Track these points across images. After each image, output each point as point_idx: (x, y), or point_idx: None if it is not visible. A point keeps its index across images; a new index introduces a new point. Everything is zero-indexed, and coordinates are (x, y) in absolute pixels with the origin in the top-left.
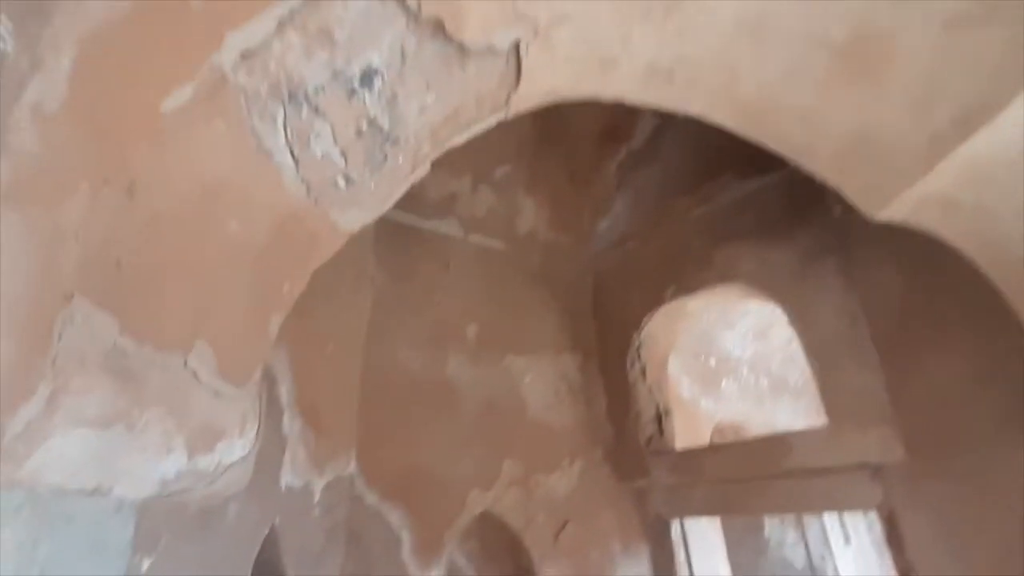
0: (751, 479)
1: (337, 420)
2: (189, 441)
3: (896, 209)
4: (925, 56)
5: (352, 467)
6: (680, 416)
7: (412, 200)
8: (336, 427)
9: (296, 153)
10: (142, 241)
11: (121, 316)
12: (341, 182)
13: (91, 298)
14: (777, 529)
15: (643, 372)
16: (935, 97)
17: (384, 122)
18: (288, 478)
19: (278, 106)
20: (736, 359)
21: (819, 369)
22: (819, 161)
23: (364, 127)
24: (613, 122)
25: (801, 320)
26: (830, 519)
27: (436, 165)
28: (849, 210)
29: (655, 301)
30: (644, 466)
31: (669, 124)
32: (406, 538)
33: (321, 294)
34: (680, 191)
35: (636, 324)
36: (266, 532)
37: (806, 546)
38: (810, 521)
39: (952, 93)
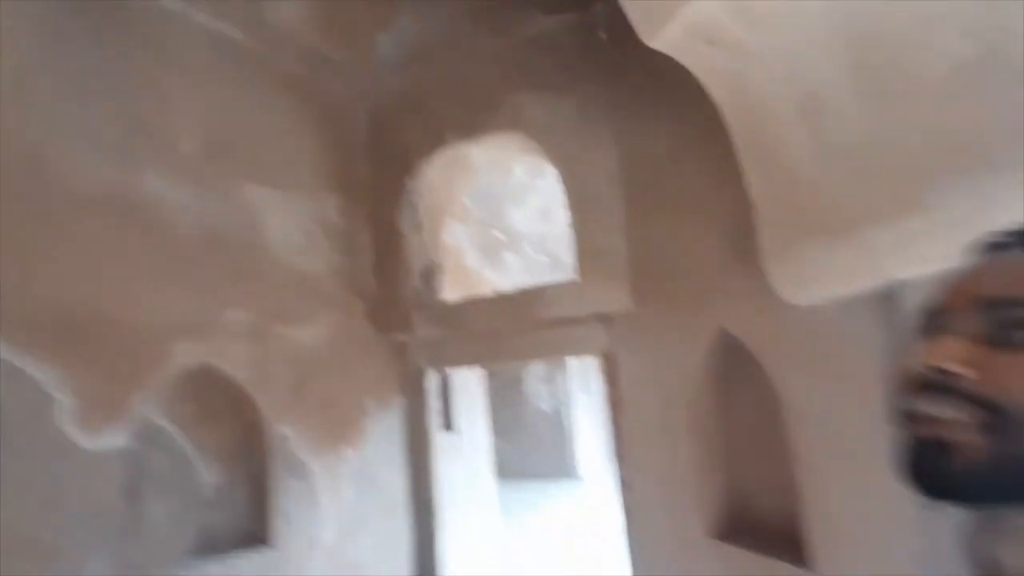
0: (508, 330)
1: None
2: None
3: (668, 35)
4: None
5: None
6: (458, 281)
7: None
8: None
9: None
10: None
11: None
12: None
13: None
14: (532, 384)
15: (417, 224)
16: None
17: None
18: None
19: None
20: (521, 235)
21: (576, 226)
22: None
23: None
24: None
25: (570, 177)
26: (574, 375)
27: None
28: (619, 41)
29: (435, 142)
30: (408, 320)
31: None
32: (66, 402)
33: None
34: (478, 14)
35: (412, 168)
36: None
37: (554, 398)
38: (557, 376)
39: None
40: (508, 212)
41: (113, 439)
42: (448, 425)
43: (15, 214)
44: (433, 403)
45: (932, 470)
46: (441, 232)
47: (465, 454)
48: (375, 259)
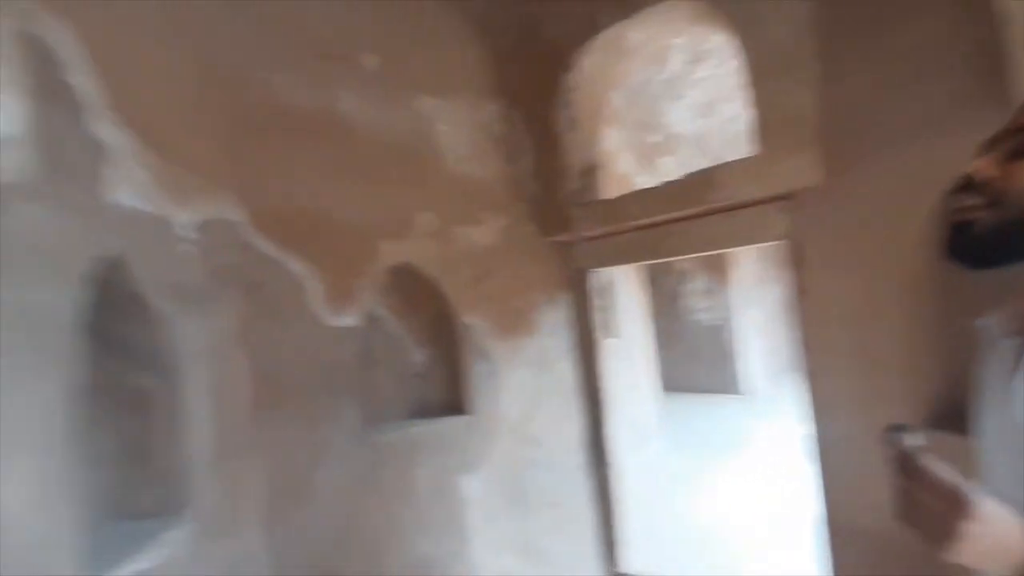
0: (674, 222)
1: (197, 153)
2: None
3: None
4: None
5: (236, 213)
6: (613, 183)
7: None
8: (198, 160)
9: None
10: None
11: None
12: None
13: None
14: (692, 298)
15: (573, 122)
16: None
17: None
18: (126, 199)
19: None
20: (678, 136)
21: (756, 94)
22: None
23: None
24: None
25: (749, 38)
26: (735, 288)
27: None
28: None
29: (588, 30)
30: (568, 220)
31: None
32: (312, 287)
33: None
34: None
35: (565, 65)
36: (101, 254)
37: (714, 311)
38: (717, 290)
39: None
40: (664, 111)
41: (348, 319)
42: (610, 328)
43: (249, 135)
44: (596, 302)
45: (958, 242)
46: (597, 130)
47: (627, 355)
48: (535, 163)
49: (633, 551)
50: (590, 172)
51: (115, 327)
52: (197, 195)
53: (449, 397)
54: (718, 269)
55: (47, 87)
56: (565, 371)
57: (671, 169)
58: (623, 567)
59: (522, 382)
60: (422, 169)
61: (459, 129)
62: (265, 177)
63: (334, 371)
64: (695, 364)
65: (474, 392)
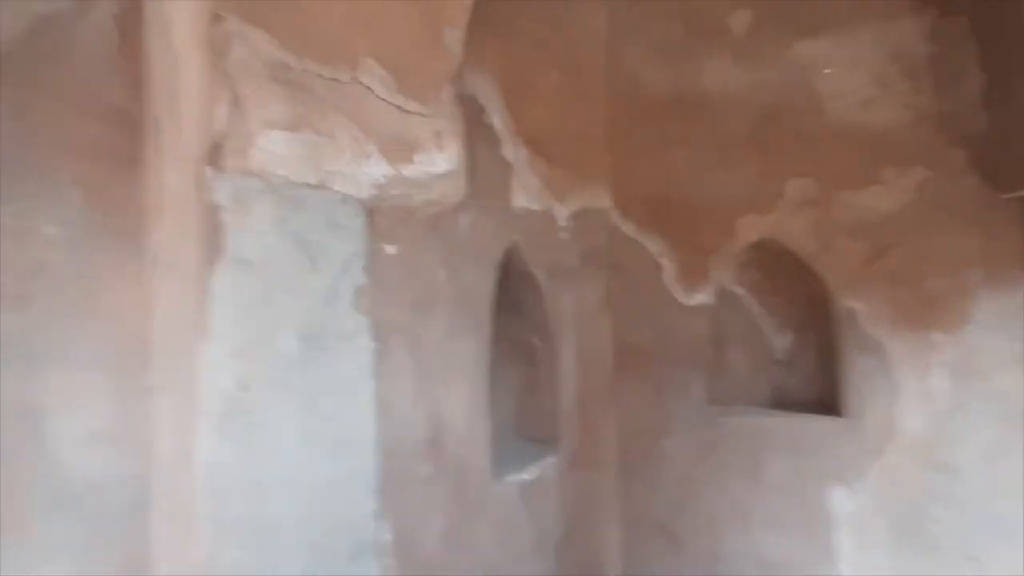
0: None
1: (576, 152)
2: (383, 150)
3: None
4: None
5: (606, 200)
6: None
7: None
8: (576, 159)
9: None
10: None
11: (273, 32)
12: None
13: (240, 16)
14: None
15: None
16: None
17: None
18: (522, 201)
19: None
20: None
21: None
22: None
23: None
24: None
25: None
26: None
27: None
28: None
29: None
30: None
31: None
32: (667, 265)
33: (536, 17)
34: None
35: None
36: (506, 245)
37: None
38: None
39: None
40: None
41: (701, 297)
42: None
43: (619, 128)
44: None
45: None
46: None
47: None
48: (985, 88)
49: None
50: None
51: (513, 297)
52: (573, 190)
53: (817, 392)
54: None
55: (475, 128)
56: (1010, 385)
57: None
58: None
59: (933, 390)
60: (795, 129)
61: (853, 69)
62: (629, 164)
63: (684, 346)
64: None
65: (854, 392)
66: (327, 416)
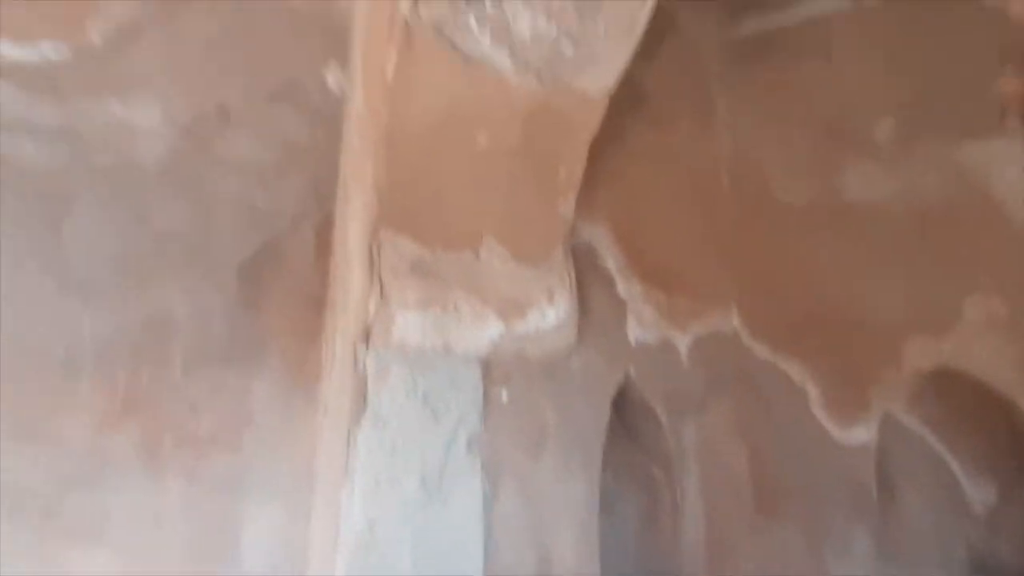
0: None
1: (698, 277)
2: (499, 312)
3: None
4: None
5: (734, 323)
6: None
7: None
8: (698, 284)
9: (506, 46)
10: (413, 176)
11: (415, 234)
12: (567, 48)
13: (394, 227)
14: None
15: None
16: None
17: None
18: (637, 334)
19: (466, 14)
20: None
21: None
22: None
23: None
24: None
25: None
26: None
27: None
28: None
29: None
30: None
31: None
32: (812, 392)
33: (649, 155)
34: None
35: None
36: (620, 380)
37: None
38: None
39: None
40: None
41: (859, 431)
42: None
43: (747, 247)
44: None
45: None
46: None
47: None
48: None
49: None
50: None
51: (630, 427)
52: (696, 316)
53: None
54: None
55: (587, 273)
56: None
57: None
58: None
59: None
60: (969, 237)
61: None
62: (760, 282)
63: (842, 490)
64: None
65: None
66: (441, 552)
